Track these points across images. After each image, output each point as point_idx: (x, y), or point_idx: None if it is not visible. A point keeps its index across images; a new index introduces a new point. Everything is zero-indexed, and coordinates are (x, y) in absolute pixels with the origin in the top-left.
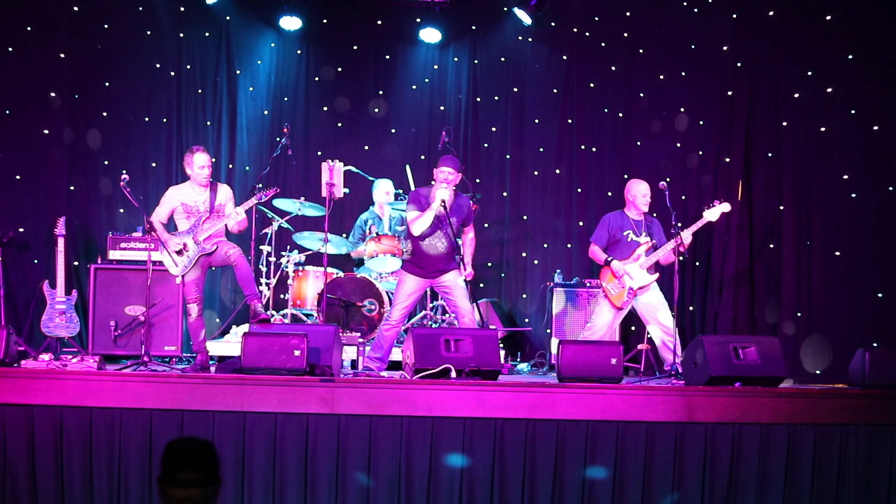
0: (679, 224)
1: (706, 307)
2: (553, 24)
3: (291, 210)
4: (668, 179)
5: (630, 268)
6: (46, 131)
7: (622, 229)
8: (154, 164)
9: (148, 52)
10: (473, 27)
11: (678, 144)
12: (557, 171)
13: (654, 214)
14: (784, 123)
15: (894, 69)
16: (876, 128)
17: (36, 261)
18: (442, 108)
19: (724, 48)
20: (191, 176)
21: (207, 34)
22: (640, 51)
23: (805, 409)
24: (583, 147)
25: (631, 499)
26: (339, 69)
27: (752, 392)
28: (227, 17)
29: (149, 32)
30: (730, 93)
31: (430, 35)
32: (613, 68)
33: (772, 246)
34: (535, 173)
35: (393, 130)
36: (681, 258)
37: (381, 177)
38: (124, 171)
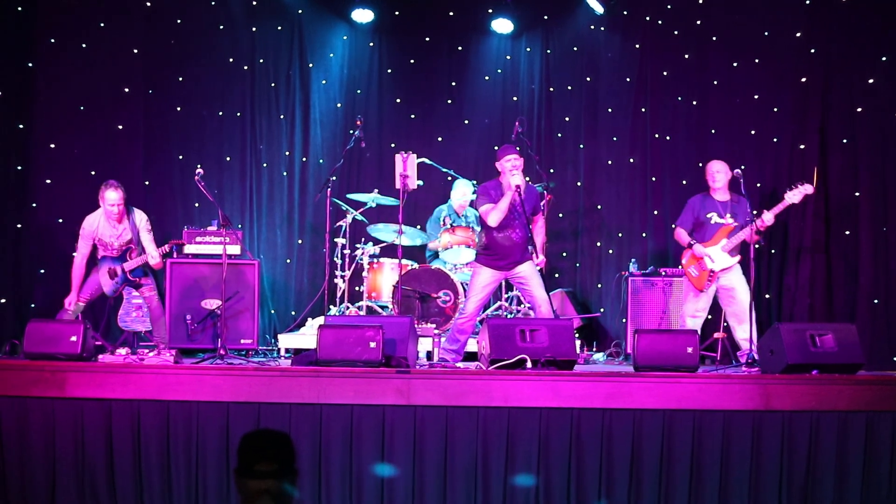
0: (755, 211)
1: (782, 295)
2: (625, 12)
3: (366, 202)
4: (742, 167)
5: (711, 250)
6: (121, 126)
7: (706, 211)
8: (228, 159)
9: (221, 46)
10: (546, 17)
11: (752, 132)
12: (631, 161)
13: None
14: (859, 110)
15: None
16: None
17: None
18: (515, 98)
19: (798, 35)
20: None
21: (280, 28)
22: (713, 38)
23: (883, 397)
24: (657, 136)
25: (708, 487)
26: (412, 61)
27: (830, 380)
28: (300, 11)
29: (221, 27)
30: (804, 80)
31: (503, 25)
32: (686, 56)
33: (848, 233)
34: (609, 163)
35: (466, 121)
36: (757, 245)
37: (457, 172)
38: (199, 166)
